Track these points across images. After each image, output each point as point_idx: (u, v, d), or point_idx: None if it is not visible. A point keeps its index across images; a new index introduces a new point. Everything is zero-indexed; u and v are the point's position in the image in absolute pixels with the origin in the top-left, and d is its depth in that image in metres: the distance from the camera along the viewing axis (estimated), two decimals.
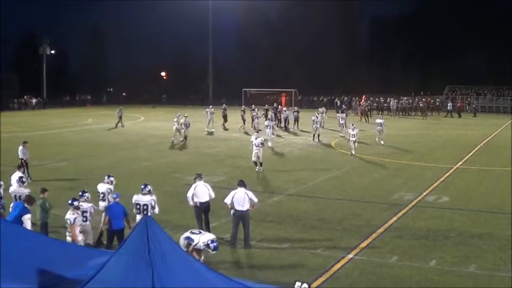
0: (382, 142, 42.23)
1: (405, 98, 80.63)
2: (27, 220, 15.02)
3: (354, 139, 35.71)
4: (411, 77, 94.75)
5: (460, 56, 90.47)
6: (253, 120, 51.98)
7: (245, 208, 17.35)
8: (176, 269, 6.96)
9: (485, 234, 18.68)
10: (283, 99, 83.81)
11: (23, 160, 28.05)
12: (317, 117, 45.35)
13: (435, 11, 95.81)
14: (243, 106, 59.02)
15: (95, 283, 6.97)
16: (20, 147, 28.69)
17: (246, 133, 48.89)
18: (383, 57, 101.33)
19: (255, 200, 17.70)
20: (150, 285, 6.43)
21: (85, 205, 16.19)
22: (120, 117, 57.63)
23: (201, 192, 18.17)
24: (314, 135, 44.67)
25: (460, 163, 33.70)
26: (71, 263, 8.79)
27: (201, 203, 18.07)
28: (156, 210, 16.90)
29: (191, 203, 18.19)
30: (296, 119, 53.76)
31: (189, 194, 18.22)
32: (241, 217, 17.35)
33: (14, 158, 28.59)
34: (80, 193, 16.60)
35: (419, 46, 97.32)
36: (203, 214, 18.19)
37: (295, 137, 46.99)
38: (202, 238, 14.23)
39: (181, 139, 42.52)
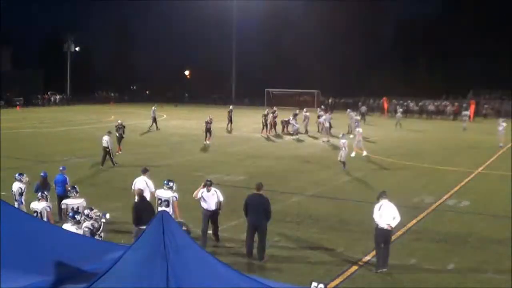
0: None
1: (429, 101, 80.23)
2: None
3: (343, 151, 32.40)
4: (435, 80, 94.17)
5: (484, 59, 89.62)
6: (275, 123, 51.28)
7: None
8: (191, 264, 6.98)
9: (505, 240, 18.53)
10: (385, 101, 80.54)
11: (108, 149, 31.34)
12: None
13: (460, 14, 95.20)
14: (266, 110, 57.88)
15: (110, 276, 7.01)
16: (106, 136, 31.51)
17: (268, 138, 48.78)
18: (407, 59, 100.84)
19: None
20: (164, 279, 6.46)
21: (75, 201, 16.61)
22: (155, 118, 53.24)
23: (209, 199, 17.51)
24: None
25: (481, 167, 33.49)
26: (88, 256, 8.83)
27: (207, 210, 17.48)
28: (170, 209, 16.73)
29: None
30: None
31: (199, 196, 17.62)
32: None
33: (36, 153, 28.84)
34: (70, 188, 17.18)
35: (443, 49, 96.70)
36: (210, 221, 17.61)
37: (314, 139, 46.82)
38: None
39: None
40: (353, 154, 36.06)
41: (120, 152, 33.29)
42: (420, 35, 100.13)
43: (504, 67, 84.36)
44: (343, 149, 31.80)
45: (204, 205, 17.48)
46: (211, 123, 41.94)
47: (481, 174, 31.50)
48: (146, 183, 18.66)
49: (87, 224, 13.48)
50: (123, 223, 18.74)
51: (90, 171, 29.91)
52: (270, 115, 51.10)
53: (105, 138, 31.27)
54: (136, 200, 17.10)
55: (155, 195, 17.52)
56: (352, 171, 31.49)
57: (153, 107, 55.25)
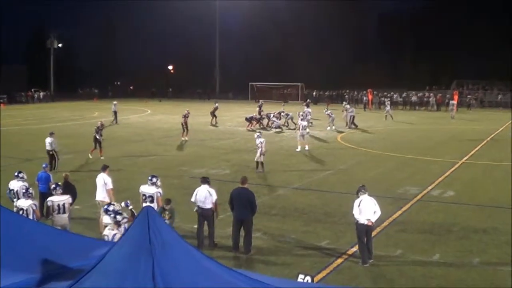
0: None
1: (413, 92, 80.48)
2: None
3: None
4: (419, 71, 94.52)
5: (468, 50, 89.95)
6: (261, 117, 51.50)
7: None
8: (177, 259, 6.99)
9: (489, 229, 18.66)
10: (370, 93, 79.06)
11: (51, 152, 29.12)
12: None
13: (444, 6, 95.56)
14: (260, 101, 57.67)
15: (96, 272, 7.01)
16: (48, 139, 29.38)
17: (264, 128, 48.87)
18: (391, 52, 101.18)
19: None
20: (150, 275, 6.46)
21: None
22: (115, 113, 55.01)
23: (202, 197, 16.99)
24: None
25: (466, 157, 33.64)
26: (74, 253, 8.83)
27: (202, 209, 16.96)
28: (154, 205, 16.65)
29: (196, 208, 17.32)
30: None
31: (192, 199, 17.13)
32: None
33: (22, 151, 28.74)
34: (53, 186, 17.03)
35: (426, 41, 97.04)
36: (205, 222, 17.08)
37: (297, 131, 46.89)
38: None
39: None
40: (298, 149, 36.26)
41: (102, 158, 32.53)
42: (404, 27, 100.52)
43: (487, 58, 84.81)
44: (260, 148, 29.19)
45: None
46: (187, 117, 41.67)
47: (466, 164, 31.64)
48: (104, 180, 18.59)
49: (125, 222, 13.29)
50: None
51: (74, 168, 29.79)
52: (257, 109, 51.45)
53: (48, 141, 29.24)
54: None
55: (139, 191, 17.43)
56: (337, 163, 31.58)
57: (114, 102, 57.62)
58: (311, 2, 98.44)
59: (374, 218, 15.46)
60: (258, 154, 29.27)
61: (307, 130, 37.60)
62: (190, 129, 42.32)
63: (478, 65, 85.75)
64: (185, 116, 41.45)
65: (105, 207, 14.45)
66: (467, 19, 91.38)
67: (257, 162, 29.28)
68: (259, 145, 29.26)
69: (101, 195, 18.45)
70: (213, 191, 17.06)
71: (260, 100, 58.74)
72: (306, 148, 36.18)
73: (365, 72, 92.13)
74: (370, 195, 15.64)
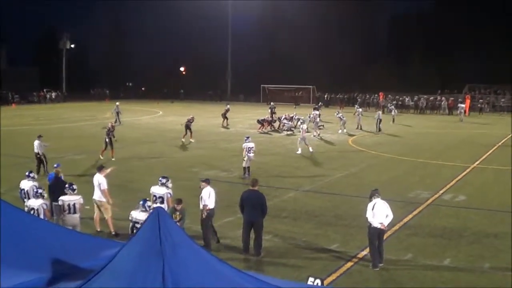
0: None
1: (425, 96, 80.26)
2: None
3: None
4: (431, 75, 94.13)
5: (480, 54, 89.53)
6: (273, 119, 51.55)
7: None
8: (187, 260, 6.98)
9: (501, 233, 18.57)
10: (381, 96, 79.82)
11: (39, 155, 28.16)
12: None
13: (455, 8, 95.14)
14: (272, 103, 57.63)
15: (106, 273, 7.01)
16: (36, 141, 28.53)
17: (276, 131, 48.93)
18: (403, 55, 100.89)
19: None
20: (160, 276, 6.46)
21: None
22: (117, 114, 55.17)
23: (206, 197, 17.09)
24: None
25: (477, 162, 33.51)
26: (85, 253, 8.84)
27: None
28: (165, 206, 16.75)
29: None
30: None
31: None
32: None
33: (32, 150, 28.78)
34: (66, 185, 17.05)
35: (438, 44, 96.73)
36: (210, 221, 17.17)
37: (309, 134, 46.82)
38: None
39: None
40: (299, 151, 36.22)
41: (113, 159, 32.53)
42: (415, 30, 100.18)
43: (499, 62, 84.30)
44: (249, 153, 28.28)
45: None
46: (192, 122, 41.55)
47: (477, 169, 31.51)
48: (98, 181, 18.60)
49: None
50: (119, 220, 18.72)
51: (86, 168, 29.86)
52: (269, 111, 51.69)
53: (36, 144, 28.37)
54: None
55: (150, 192, 17.47)
56: (348, 166, 31.52)
57: (116, 103, 57.87)
58: (322, 4, 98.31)
59: (386, 222, 15.42)
60: (246, 159, 28.13)
61: (306, 133, 37.60)
62: (201, 130, 42.47)
63: (491, 69, 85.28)
64: (189, 121, 41.28)
65: (141, 202, 15.24)
66: (480, 22, 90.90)
67: (245, 168, 28.25)
68: (249, 149, 28.16)
69: (97, 195, 18.49)
70: (212, 192, 17.20)
71: (272, 103, 58.64)
72: (311, 150, 36.22)
73: (376, 75, 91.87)
74: (381, 198, 15.60)
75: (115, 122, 52.70)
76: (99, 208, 18.51)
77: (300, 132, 37.32)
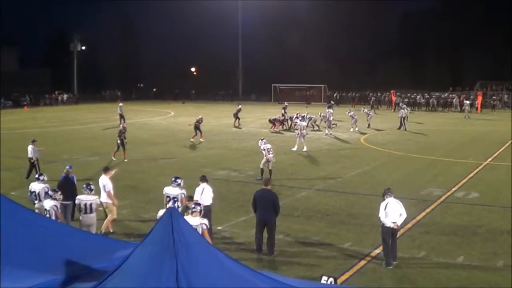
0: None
1: (436, 93, 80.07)
2: None
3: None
4: (442, 72, 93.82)
5: (492, 51, 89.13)
6: (284, 119, 51.43)
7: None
8: (200, 260, 7.02)
9: None
10: (393, 94, 78.98)
11: (32, 160, 27.32)
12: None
13: (466, 5, 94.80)
14: (285, 103, 57.50)
15: (120, 274, 7.05)
16: (30, 146, 27.71)
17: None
18: (414, 53, 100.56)
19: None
20: (174, 276, 6.49)
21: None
22: (121, 115, 54.17)
23: (202, 194, 17.29)
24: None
25: (490, 159, 33.38)
26: (99, 254, 8.90)
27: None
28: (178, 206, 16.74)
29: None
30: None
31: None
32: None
33: (45, 153, 28.91)
34: (84, 185, 17.09)
35: (449, 41, 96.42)
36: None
37: (321, 132, 46.73)
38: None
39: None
40: (295, 148, 36.36)
41: (126, 160, 32.62)
42: (426, 28, 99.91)
43: (511, 58, 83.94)
44: (268, 154, 27.14)
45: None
46: (201, 122, 41.56)
47: (490, 166, 31.40)
48: (103, 182, 18.59)
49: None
50: (132, 221, 18.78)
51: (98, 170, 29.88)
52: (282, 111, 51.70)
53: (29, 148, 27.58)
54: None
55: (163, 192, 17.49)
56: (360, 165, 31.48)
57: (120, 104, 57.95)
58: (333, 2, 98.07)
59: (400, 221, 15.37)
60: (264, 160, 27.25)
61: (306, 130, 37.84)
62: (212, 130, 42.53)
63: (502, 65, 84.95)
64: (198, 122, 41.28)
65: (173, 179, 17.20)
66: (491, 18, 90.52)
67: (262, 169, 27.28)
68: (265, 151, 27.23)
69: (103, 196, 18.37)
70: (208, 188, 17.44)
71: (285, 102, 58.65)
72: (304, 148, 36.23)
73: (388, 73, 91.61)
74: (394, 196, 15.57)
75: (122, 123, 52.69)
76: (105, 209, 18.52)
77: (297, 129, 37.28)
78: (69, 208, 18.19)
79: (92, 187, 16.94)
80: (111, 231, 18.22)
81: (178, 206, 16.52)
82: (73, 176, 20.21)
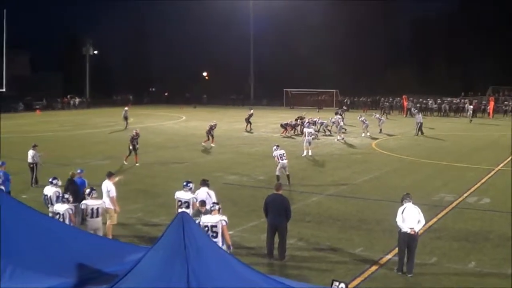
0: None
1: (448, 98, 79.84)
2: None
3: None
4: (454, 77, 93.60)
5: (503, 56, 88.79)
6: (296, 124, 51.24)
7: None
8: (211, 264, 7.04)
9: None
10: (405, 99, 78.38)
11: (32, 165, 27.17)
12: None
13: (478, 10, 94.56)
14: (305, 113, 57.22)
15: (131, 277, 7.08)
16: (31, 151, 27.60)
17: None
18: (425, 57, 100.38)
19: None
20: (185, 280, 6.52)
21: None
22: (126, 118, 55.99)
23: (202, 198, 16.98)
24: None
25: (502, 164, 33.25)
26: (110, 258, 8.95)
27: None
28: (190, 211, 16.69)
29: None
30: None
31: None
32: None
33: (58, 157, 29.00)
34: (88, 190, 17.15)
35: (461, 46, 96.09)
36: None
37: (333, 138, 46.66)
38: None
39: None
40: (304, 154, 36.37)
41: (138, 164, 32.69)
42: (438, 33, 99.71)
43: None
44: (281, 160, 27.20)
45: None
46: (214, 128, 41.66)
47: (502, 171, 31.24)
48: (107, 187, 18.52)
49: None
50: (143, 225, 18.82)
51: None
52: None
53: (30, 153, 27.42)
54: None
55: (175, 197, 17.51)
56: (371, 170, 31.42)
57: (125, 108, 59.13)
58: (345, 7, 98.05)
59: (418, 228, 15.24)
60: (278, 166, 27.14)
61: (312, 136, 37.85)
62: (224, 135, 42.52)
63: None
64: (211, 128, 41.35)
65: (184, 184, 17.24)
66: (503, 23, 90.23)
67: (278, 176, 26.87)
68: (276, 157, 27.34)
69: (106, 201, 18.13)
70: (212, 193, 17.43)
71: (304, 113, 58.67)
72: (310, 153, 36.31)
73: (399, 78, 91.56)
74: (413, 202, 15.46)
75: (126, 127, 53.42)
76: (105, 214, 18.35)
77: (305, 135, 37.27)
78: (78, 210, 18.20)
79: (96, 194, 16.94)
80: (110, 237, 18.22)
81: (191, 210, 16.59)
82: (83, 180, 20.23)
